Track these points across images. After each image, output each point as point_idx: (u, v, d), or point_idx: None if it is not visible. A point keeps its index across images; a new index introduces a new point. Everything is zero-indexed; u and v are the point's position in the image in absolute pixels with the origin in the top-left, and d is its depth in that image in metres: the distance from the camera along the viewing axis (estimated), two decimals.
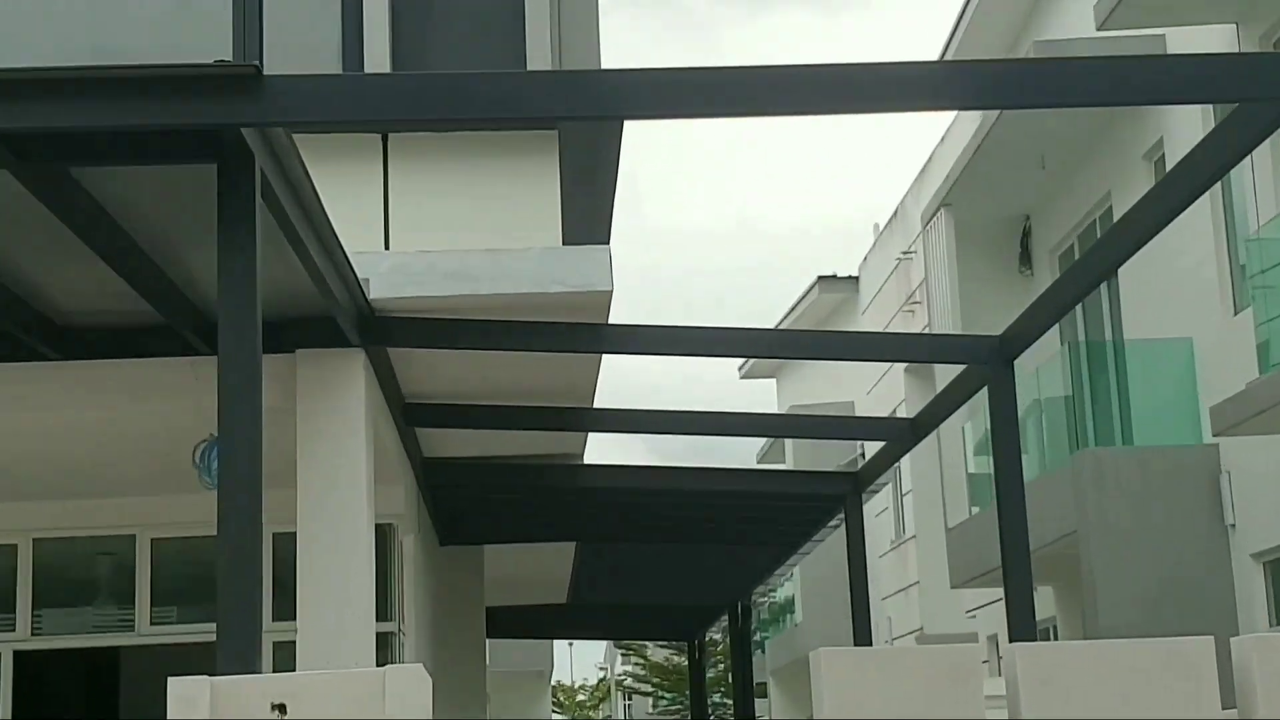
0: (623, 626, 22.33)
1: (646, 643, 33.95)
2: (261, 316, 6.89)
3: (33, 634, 9.32)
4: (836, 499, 10.87)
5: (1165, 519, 13.11)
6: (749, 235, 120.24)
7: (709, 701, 22.33)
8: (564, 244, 7.72)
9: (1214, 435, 12.19)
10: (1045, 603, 16.32)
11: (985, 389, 7.82)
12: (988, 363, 7.60)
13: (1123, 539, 12.93)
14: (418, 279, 7.25)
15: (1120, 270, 15.36)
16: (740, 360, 29.98)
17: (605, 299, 7.28)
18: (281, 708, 4.31)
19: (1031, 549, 12.86)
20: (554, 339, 7.52)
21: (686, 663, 24.43)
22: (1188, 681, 4.67)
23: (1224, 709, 4.81)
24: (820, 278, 24.95)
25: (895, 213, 22.39)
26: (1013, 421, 7.54)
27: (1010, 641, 6.83)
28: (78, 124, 4.86)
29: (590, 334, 7.57)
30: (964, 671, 4.78)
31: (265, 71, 4.84)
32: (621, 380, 71.23)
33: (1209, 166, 5.61)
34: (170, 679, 4.42)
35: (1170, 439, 13.83)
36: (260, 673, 4.76)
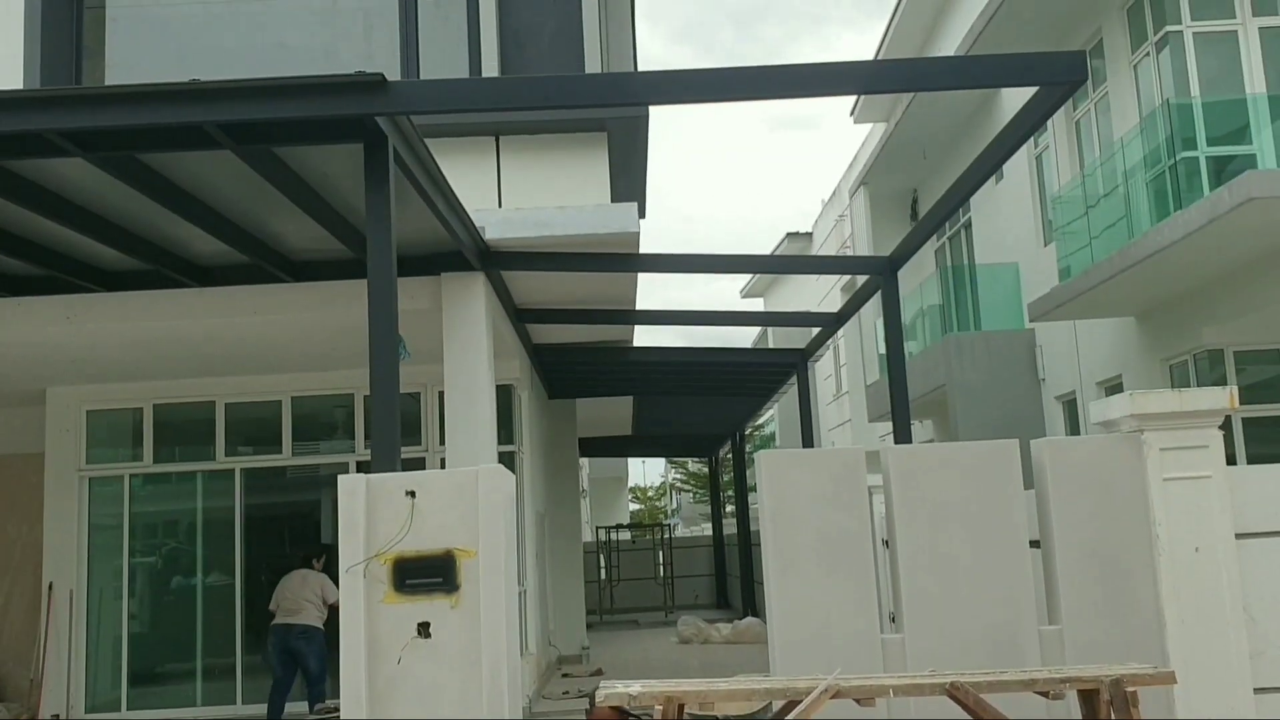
0: (667, 448, 27.93)
1: (686, 459, 43.03)
2: (416, 251, 7.93)
3: (294, 455, 10.95)
4: (792, 366, 12.90)
5: (1001, 376, 15.83)
6: (745, 216, 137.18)
7: (722, 496, 26.34)
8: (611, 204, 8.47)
9: (1030, 322, 14.33)
10: (927, 430, 18.89)
11: (880, 292, 8.45)
12: (881, 272, 8.32)
13: (974, 389, 15.64)
14: (517, 225, 8.26)
15: (973, 220, 17.57)
16: (742, 285, 36.43)
17: (635, 237, 8.24)
18: (411, 494, 4.91)
19: (916, 396, 15.76)
20: (601, 263, 8.41)
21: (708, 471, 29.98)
22: (1002, 469, 5.33)
23: (1025, 489, 5.32)
24: (788, 233, 30.88)
25: (833, 191, 27.29)
26: (897, 309, 8.26)
27: None
28: (275, 115, 5.10)
29: (627, 259, 8.55)
30: (853, 466, 5.36)
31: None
32: (660, 301, 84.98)
33: (1000, 149, 6.11)
34: (340, 477, 4.94)
35: (1004, 326, 16.40)
36: (399, 472, 5.00)
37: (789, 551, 5.19)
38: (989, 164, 6.25)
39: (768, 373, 13.72)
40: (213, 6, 9.79)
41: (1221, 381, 11.61)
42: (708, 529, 30.11)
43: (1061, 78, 5.08)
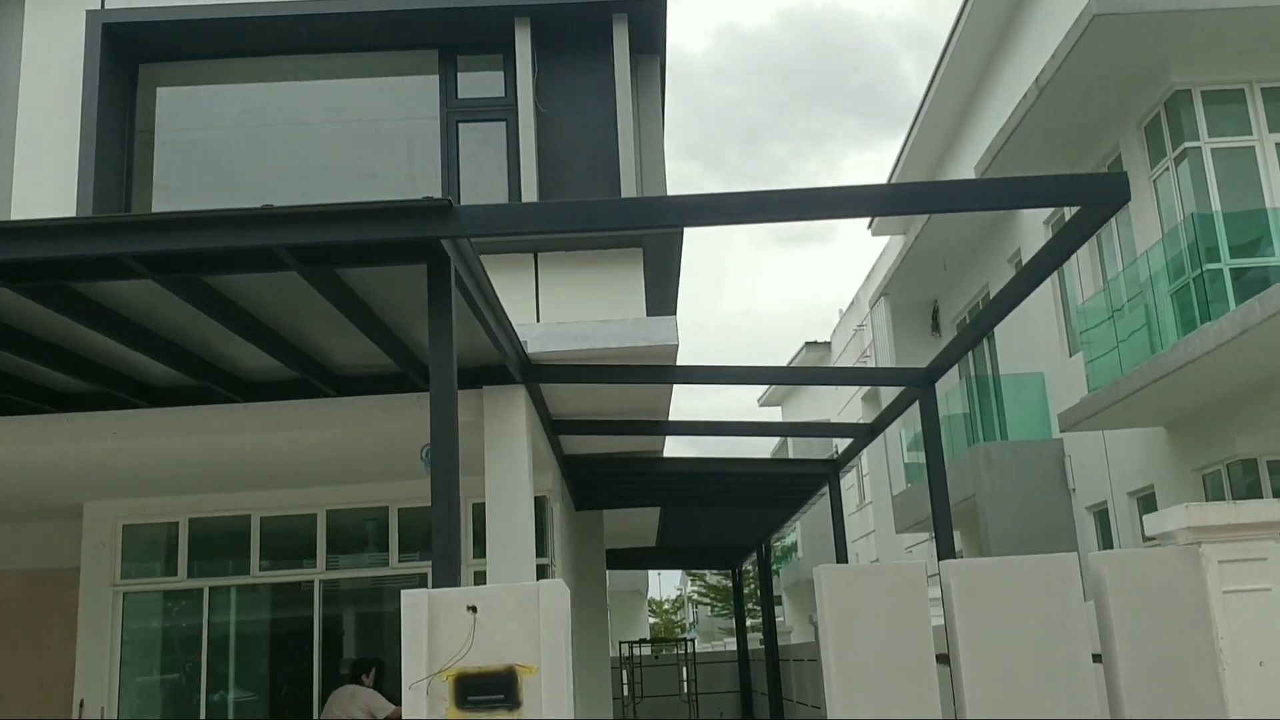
0: (690, 560, 27.81)
1: (705, 571, 42.97)
2: (460, 365, 7.32)
3: (326, 569, 10.86)
4: (822, 477, 12.81)
5: (1030, 487, 15.78)
6: (757, 324, 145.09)
7: (745, 609, 26.18)
8: (647, 316, 8.76)
9: (1060, 432, 14.38)
10: (956, 542, 19.95)
11: (917, 402, 8.72)
12: (919, 384, 8.49)
13: (1004, 500, 15.66)
14: (558, 339, 8.40)
15: (996, 330, 17.21)
16: (759, 394, 37.50)
17: (674, 350, 8.37)
18: (473, 608, 4.97)
19: None
20: (641, 375, 8.50)
21: (730, 584, 30.19)
22: (1062, 582, 5.36)
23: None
24: (806, 342, 31.51)
25: (852, 302, 28.03)
26: (936, 421, 8.27)
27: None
28: (345, 238, 5.27)
29: (664, 372, 8.65)
30: (914, 581, 5.40)
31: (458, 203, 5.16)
32: (675, 410, 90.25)
33: (1043, 266, 6.20)
34: (403, 591, 4.99)
35: (1031, 435, 16.38)
36: (460, 586, 5.11)
37: (853, 671, 5.19)
38: (1030, 281, 6.43)
39: (798, 484, 13.63)
40: (257, 130, 10.07)
41: (1255, 491, 11.63)
42: (728, 643, 29.52)
43: (1106, 199, 5.21)
